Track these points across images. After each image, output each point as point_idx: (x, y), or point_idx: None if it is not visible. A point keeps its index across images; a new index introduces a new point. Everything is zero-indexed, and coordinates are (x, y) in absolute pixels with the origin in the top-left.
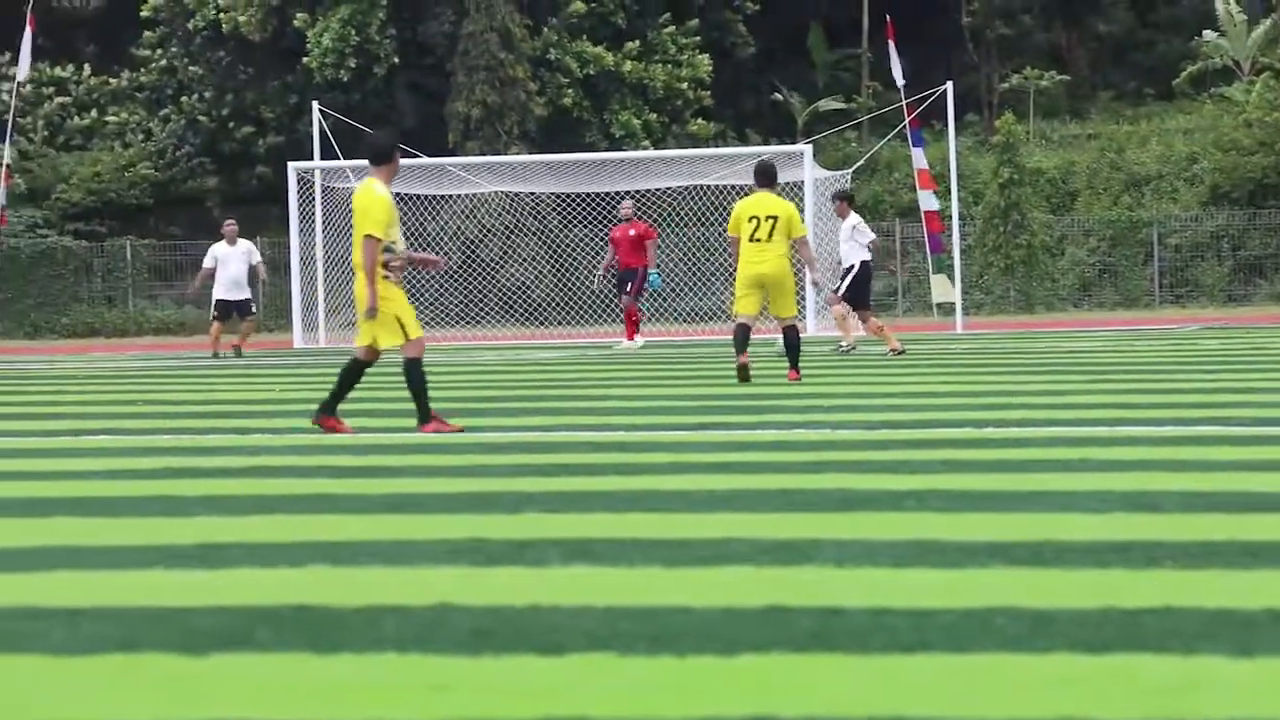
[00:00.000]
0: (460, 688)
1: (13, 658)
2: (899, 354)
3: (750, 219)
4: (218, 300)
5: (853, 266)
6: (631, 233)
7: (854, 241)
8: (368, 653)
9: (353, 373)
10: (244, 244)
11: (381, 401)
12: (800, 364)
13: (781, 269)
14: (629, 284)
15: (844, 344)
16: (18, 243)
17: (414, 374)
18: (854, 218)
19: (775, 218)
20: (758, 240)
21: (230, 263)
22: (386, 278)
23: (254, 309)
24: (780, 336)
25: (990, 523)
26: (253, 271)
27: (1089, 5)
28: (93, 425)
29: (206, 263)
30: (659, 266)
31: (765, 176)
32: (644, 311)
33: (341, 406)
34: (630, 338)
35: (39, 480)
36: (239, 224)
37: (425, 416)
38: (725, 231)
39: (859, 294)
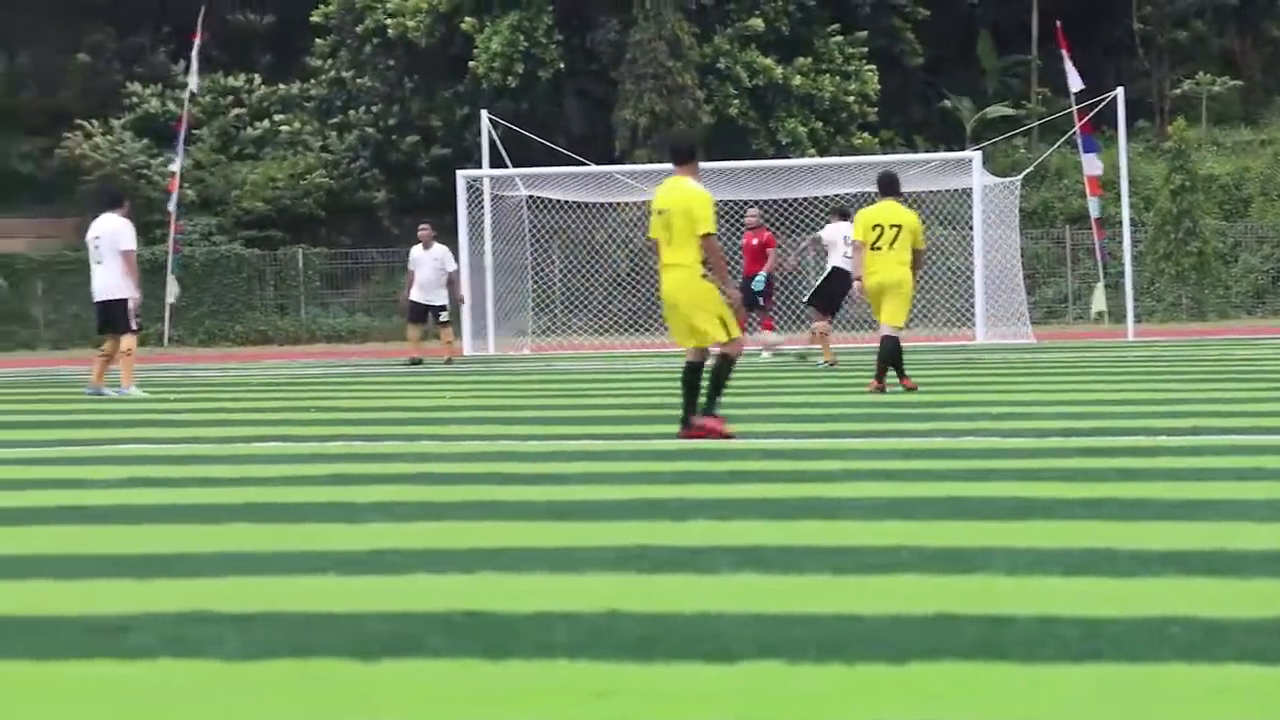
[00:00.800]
0: (629, 694)
1: (187, 662)
2: (832, 365)
3: (874, 227)
4: (410, 302)
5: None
6: (754, 241)
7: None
8: (538, 659)
9: (695, 375)
10: (439, 249)
11: (549, 409)
12: (886, 377)
13: (899, 275)
14: (756, 295)
15: (820, 360)
16: (192, 251)
17: (725, 370)
18: (846, 227)
19: (899, 227)
20: (878, 249)
21: (423, 266)
22: (705, 276)
23: (442, 315)
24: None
25: (1163, 531)
26: (450, 278)
27: (1263, 10)
28: (266, 432)
29: (410, 266)
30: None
31: (889, 185)
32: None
33: (510, 414)
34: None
35: (214, 486)
36: (413, 232)
37: (710, 408)
38: None
39: (826, 298)
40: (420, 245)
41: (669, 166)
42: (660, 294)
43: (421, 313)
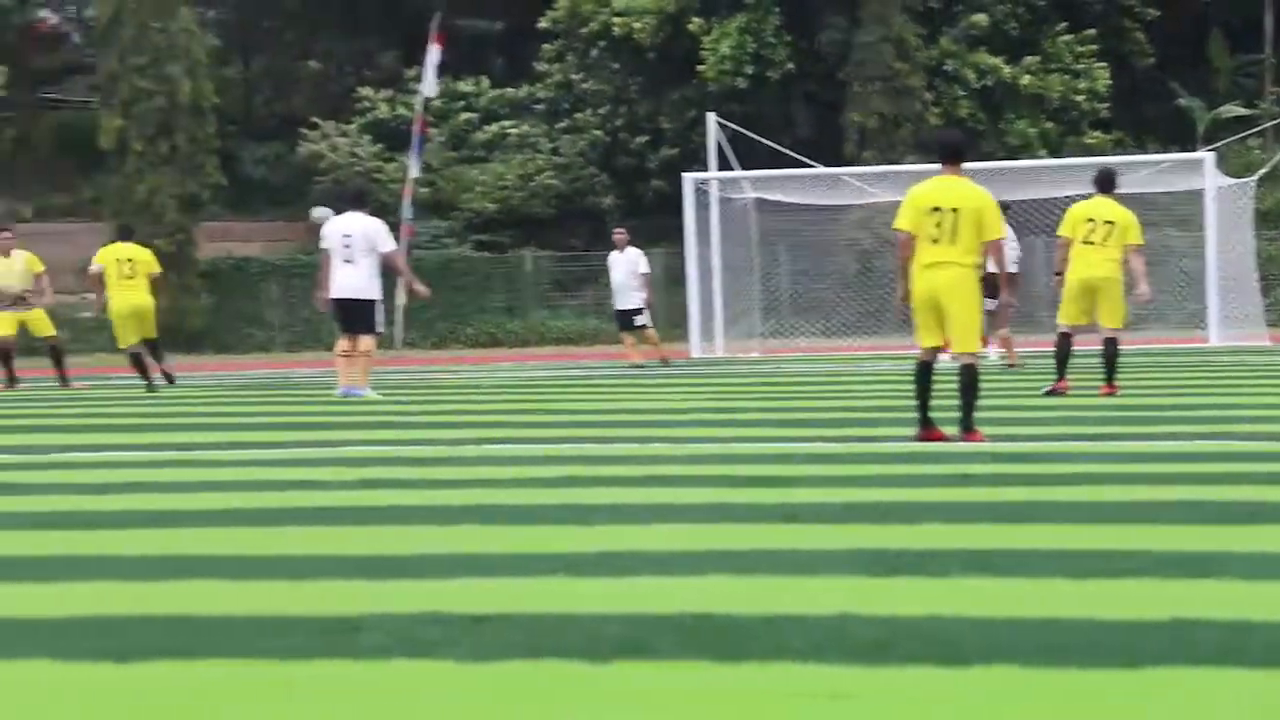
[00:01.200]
0: (862, 697)
1: (420, 662)
2: (1011, 367)
3: (1087, 220)
4: (615, 310)
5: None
6: None
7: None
8: (770, 662)
9: (927, 375)
10: (632, 252)
11: (778, 411)
12: (1117, 379)
13: (1113, 274)
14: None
15: (1010, 362)
16: (423, 254)
17: (975, 381)
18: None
19: (1113, 223)
20: (1091, 243)
21: (616, 269)
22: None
23: (637, 320)
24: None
25: None
26: (642, 280)
27: None
28: (497, 434)
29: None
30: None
31: (1105, 182)
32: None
33: (740, 416)
34: (984, 345)
35: (446, 488)
36: (637, 235)
37: (969, 424)
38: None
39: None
40: (616, 249)
41: (897, 168)
42: (917, 290)
43: (623, 318)
